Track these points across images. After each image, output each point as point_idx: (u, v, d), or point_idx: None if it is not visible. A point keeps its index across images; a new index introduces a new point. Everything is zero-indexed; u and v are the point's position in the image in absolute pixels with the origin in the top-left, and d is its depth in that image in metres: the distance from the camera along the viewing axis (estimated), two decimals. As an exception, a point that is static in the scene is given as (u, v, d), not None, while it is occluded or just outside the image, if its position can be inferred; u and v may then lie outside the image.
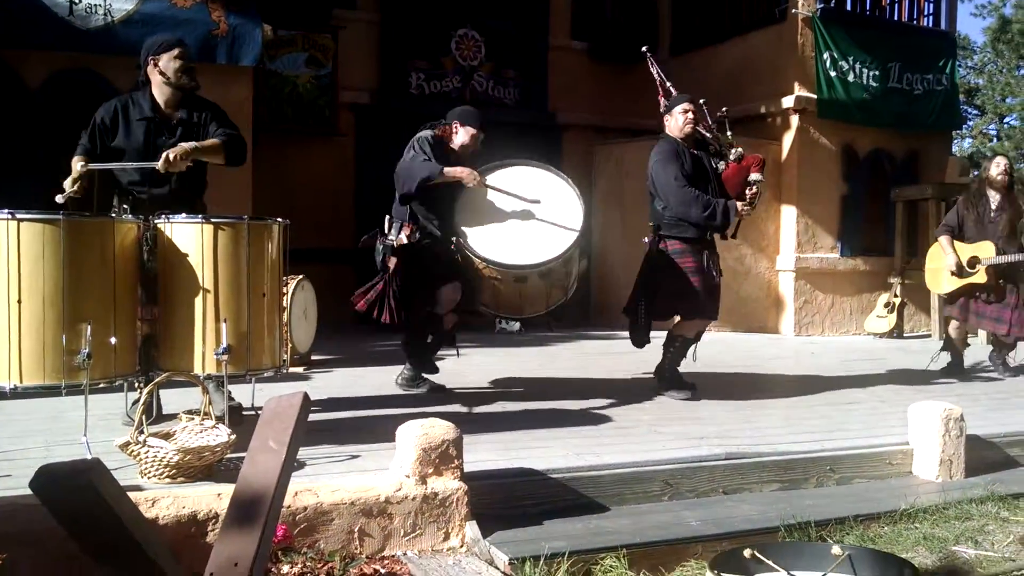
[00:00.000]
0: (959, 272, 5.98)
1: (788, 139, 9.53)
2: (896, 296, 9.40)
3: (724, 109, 5.00)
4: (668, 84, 5.12)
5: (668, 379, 5.02)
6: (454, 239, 4.59)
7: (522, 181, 4.69)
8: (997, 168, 6.02)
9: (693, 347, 5.08)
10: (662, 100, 5.14)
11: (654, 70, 5.15)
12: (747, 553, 2.58)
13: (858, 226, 9.90)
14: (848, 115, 9.50)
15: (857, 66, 9.55)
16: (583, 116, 10.69)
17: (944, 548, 3.07)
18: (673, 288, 4.80)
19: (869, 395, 5.26)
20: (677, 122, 4.89)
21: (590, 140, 10.49)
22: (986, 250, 5.89)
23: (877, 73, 9.68)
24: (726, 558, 2.63)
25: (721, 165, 4.88)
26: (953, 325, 6.33)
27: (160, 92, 3.99)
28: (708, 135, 4.95)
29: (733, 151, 4.85)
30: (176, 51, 3.97)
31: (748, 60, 9.93)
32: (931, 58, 10.09)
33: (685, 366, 5.10)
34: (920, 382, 5.86)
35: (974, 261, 5.90)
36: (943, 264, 6.11)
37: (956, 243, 6.05)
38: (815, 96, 9.31)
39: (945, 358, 6.32)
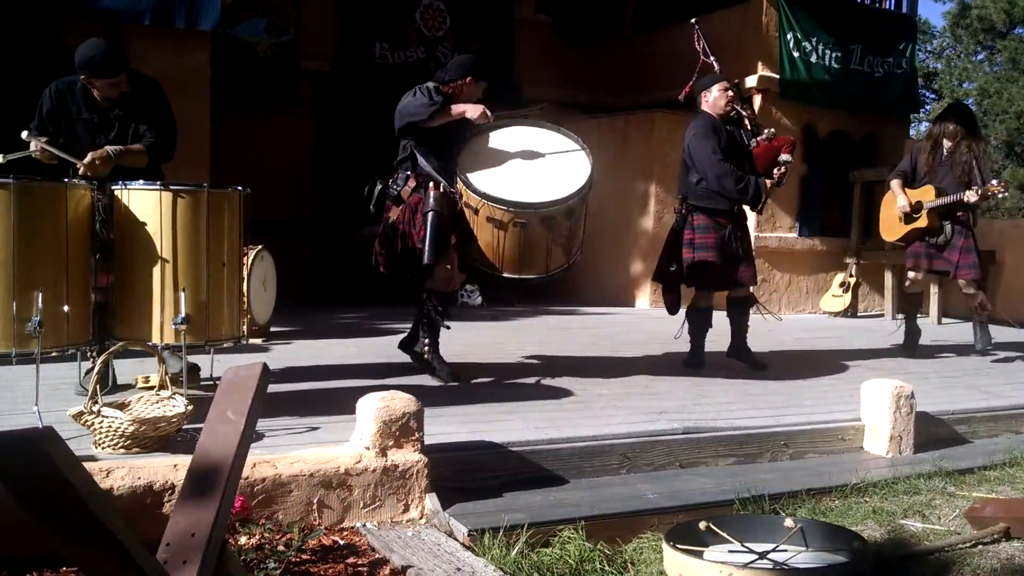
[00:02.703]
0: (906, 218, 6.06)
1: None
2: (851, 276, 9.56)
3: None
4: (712, 59, 5.19)
5: (690, 351, 5.32)
6: (455, 182, 4.32)
7: (529, 138, 4.57)
8: (949, 122, 6.04)
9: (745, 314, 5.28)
10: (697, 73, 5.30)
11: (700, 44, 5.23)
12: (702, 525, 2.63)
13: (816, 207, 10.01)
14: (810, 96, 9.58)
15: (820, 47, 9.63)
16: (548, 91, 10.58)
17: (892, 521, 3.16)
18: (693, 260, 5.02)
19: (823, 372, 5.36)
20: (717, 100, 5.05)
21: (554, 116, 10.43)
22: (928, 194, 5.98)
23: (839, 55, 9.76)
24: (682, 530, 2.68)
25: (753, 142, 4.99)
26: (908, 283, 6.35)
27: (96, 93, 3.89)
28: (745, 113, 5.09)
29: (766, 131, 5.01)
30: (114, 79, 3.80)
31: (712, 39, 9.91)
32: (892, 41, 10.20)
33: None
34: (873, 360, 5.98)
35: (918, 206, 6.00)
36: (893, 210, 6.17)
37: (907, 189, 6.12)
38: (778, 76, 9.36)
39: (900, 334, 6.42)
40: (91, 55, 3.74)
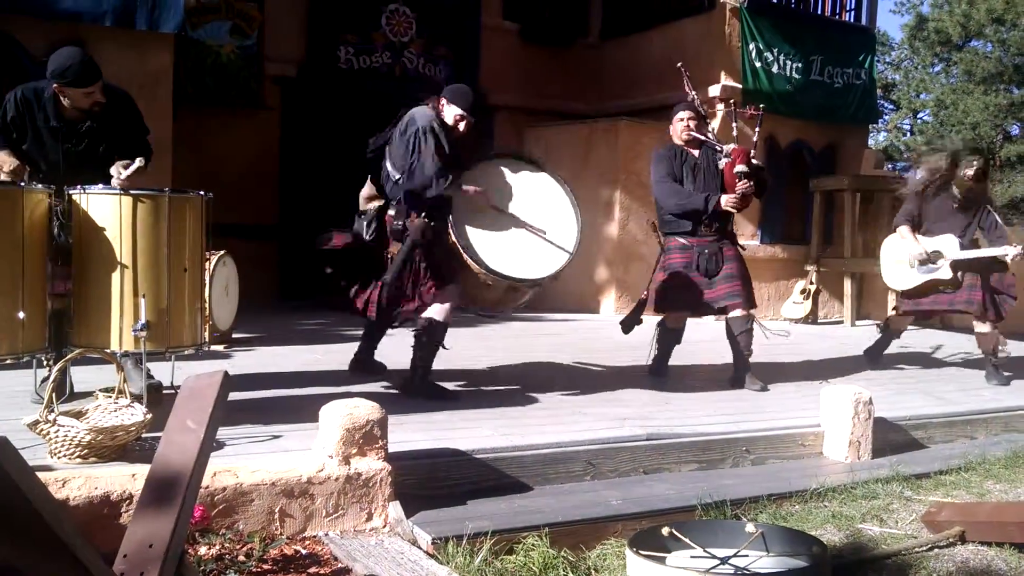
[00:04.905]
0: (921, 266, 5.68)
1: (713, 128, 9.72)
2: (812, 283, 9.70)
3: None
4: (691, 96, 5.24)
5: (653, 364, 5.34)
6: (453, 237, 4.23)
7: (524, 190, 4.47)
8: (970, 169, 5.61)
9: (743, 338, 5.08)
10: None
11: (687, 84, 5.31)
12: (665, 531, 2.65)
13: (778, 215, 10.16)
14: (771, 106, 9.70)
15: (781, 58, 9.78)
16: (514, 98, 10.66)
17: (851, 526, 3.20)
18: (657, 282, 5.09)
19: (784, 378, 5.43)
20: (675, 128, 5.17)
21: (520, 122, 10.48)
22: (949, 245, 5.58)
23: (800, 65, 9.92)
24: (645, 536, 2.69)
25: (721, 163, 5.04)
26: (896, 315, 6.21)
27: (66, 102, 3.80)
28: (707, 138, 5.12)
29: (724, 148, 5.04)
30: (90, 88, 3.71)
31: (677, 47, 10.05)
32: (851, 52, 10.40)
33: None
34: (832, 366, 6.07)
35: (937, 256, 5.63)
36: (901, 256, 5.78)
37: (919, 236, 5.75)
38: (740, 86, 9.49)
39: (873, 337, 6.43)
40: (67, 64, 3.65)
